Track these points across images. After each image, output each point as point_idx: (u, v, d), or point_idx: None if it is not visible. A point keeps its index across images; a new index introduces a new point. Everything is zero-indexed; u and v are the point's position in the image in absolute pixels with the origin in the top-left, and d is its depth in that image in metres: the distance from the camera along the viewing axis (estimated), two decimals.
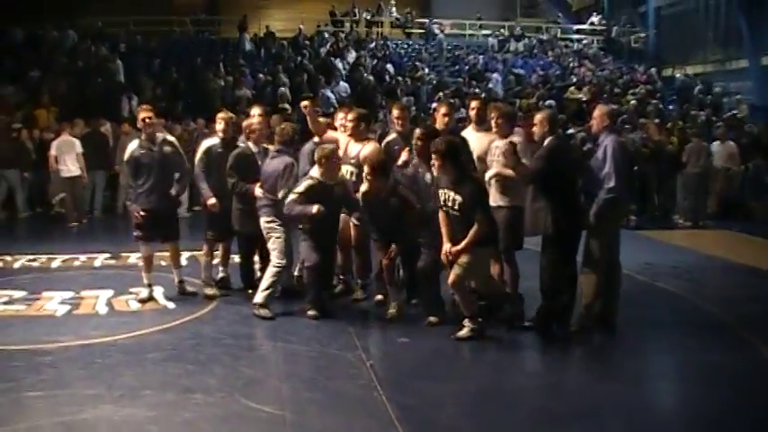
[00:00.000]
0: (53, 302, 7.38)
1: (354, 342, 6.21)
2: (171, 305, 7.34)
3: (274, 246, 6.98)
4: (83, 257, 9.59)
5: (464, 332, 6.32)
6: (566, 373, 5.94)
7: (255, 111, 7.74)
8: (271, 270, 6.96)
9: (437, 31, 27.85)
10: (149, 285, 7.49)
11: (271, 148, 7.36)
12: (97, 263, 9.35)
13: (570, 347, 6.54)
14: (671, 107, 21.59)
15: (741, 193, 14.98)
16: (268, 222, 7.02)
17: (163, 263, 8.01)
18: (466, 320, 6.34)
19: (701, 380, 5.76)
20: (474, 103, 7.56)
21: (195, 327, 6.66)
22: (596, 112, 6.94)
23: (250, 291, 7.40)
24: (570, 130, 15.45)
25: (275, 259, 6.96)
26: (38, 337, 6.27)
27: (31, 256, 9.62)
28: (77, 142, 12.76)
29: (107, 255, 9.71)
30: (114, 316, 7.02)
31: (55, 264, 9.35)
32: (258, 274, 7.58)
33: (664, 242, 11.98)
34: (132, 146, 7.42)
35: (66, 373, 5.43)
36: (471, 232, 6.13)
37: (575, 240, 6.43)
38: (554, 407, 5.11)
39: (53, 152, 12.68)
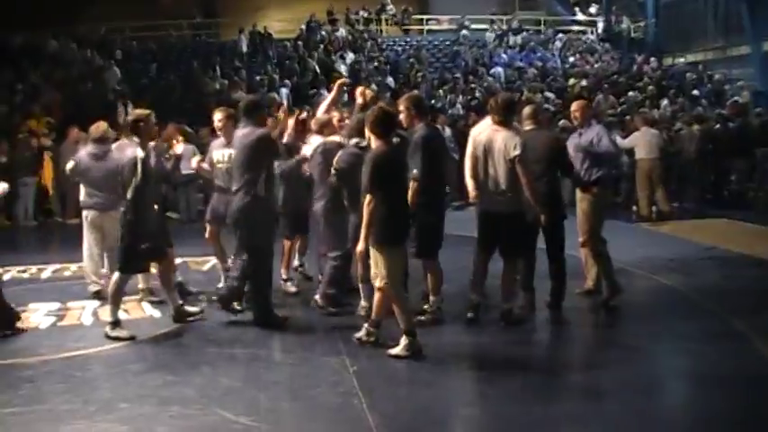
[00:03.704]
0: (38, 314, 7.29)
1: (339, 347, 6.09)
2: (157, 314, 7.26)
3: None
4: (73, 267, 9.49)
5: (396, 350, 5.78)
6: (555, 374, 5.79)
7: (218, 115, 7.75)
8: None
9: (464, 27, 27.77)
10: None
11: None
12: None
13: (559, 346, 6.46)
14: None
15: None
16: None
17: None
18: (402, 336, 5.81)
19: (703, 380, 5.65)
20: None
21: (180, 336, 6.57)
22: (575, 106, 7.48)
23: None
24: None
25: None
26: (19, 351, 6.19)
27: (22, 267, 9.56)
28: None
29: None
30: (99, 327, 6.87)
31: (45, 274, 9.29)
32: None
33: (657, 233, 11.87)
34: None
35: (43, 388, 5.34)
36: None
37: None
38: (541, 411, 4.99)
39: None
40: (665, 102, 19.33)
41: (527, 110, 7.16)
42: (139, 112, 6.81)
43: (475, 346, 6.40)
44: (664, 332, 6.75)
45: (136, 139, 6.51)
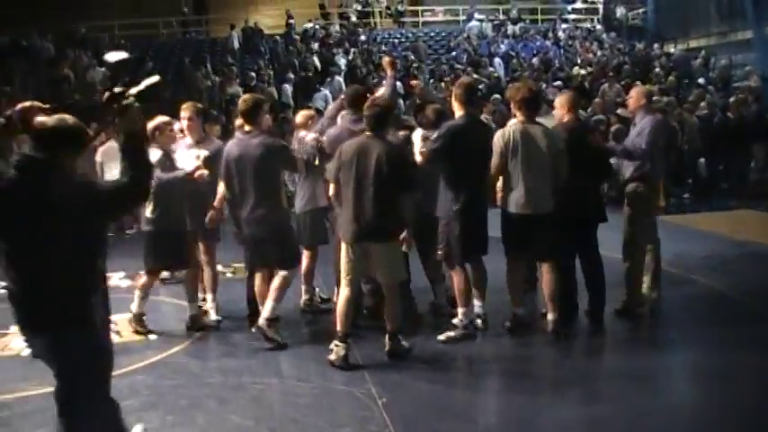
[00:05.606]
0: (19, 339, 6.50)
1: (363, 373, 5.34)
2: (152, 336, 6.51)
3: None
4: None
5: (330, 356, 5.51)
6: (607, 402, 5.07)
7: (186, 111, 6.83)
8: None
9: (474, 18, 26.99)
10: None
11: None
12: None
13: (606, 367, 5.77)
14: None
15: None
16: None
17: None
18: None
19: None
20: None
21: (178, 362, 5.83)
22: (632, 92, 6.78)
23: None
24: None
25: None
26: None
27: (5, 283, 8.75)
28: None
29: None
30: None
31: None
32: None
33: (686, 227, 11.10)
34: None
35: None
36: None
37: None
38: None
39: (98, 158, 12.05)
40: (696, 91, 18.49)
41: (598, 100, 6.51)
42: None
43: (520, 366, 5.70)
44: (717, 342, 6.02)
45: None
